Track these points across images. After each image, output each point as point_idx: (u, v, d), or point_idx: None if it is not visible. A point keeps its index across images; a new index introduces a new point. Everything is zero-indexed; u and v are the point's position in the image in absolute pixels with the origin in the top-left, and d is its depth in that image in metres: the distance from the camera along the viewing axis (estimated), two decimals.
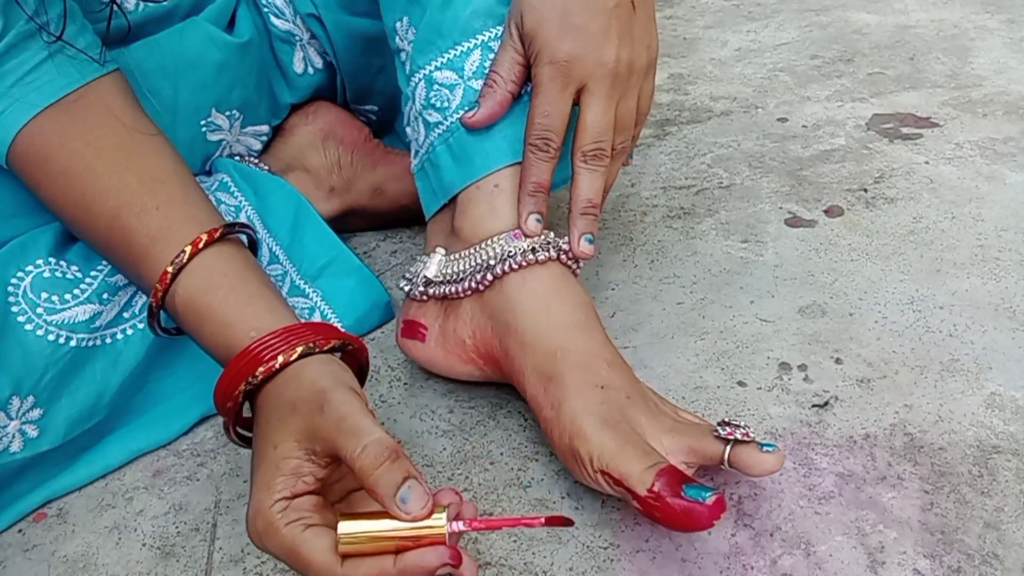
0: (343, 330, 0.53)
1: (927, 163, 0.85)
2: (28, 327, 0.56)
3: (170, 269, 0.52)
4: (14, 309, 0.56)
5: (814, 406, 0.60)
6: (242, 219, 0.69)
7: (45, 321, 0.56)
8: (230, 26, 0.71)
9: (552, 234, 0.59)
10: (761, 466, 0.49)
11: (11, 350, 0.55)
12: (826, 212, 0.80)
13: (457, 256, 0.59)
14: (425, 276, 0.61)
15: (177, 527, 0.57)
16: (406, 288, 0.63)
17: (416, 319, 0.62)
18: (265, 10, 0.73)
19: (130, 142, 0.56)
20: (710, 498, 0.46)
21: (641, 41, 0.58)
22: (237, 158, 0.74)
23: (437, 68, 0.60)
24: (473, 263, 0.58)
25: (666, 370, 0.64)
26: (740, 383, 0.63)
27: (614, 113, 0.57)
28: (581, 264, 0.60)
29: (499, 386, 0.63)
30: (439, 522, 0.44)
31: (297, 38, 0.75)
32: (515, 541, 0.53)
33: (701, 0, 1.25)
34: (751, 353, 0.65)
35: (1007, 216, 0.77)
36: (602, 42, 0.56)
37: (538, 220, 0.58)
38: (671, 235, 0.78)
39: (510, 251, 0.57)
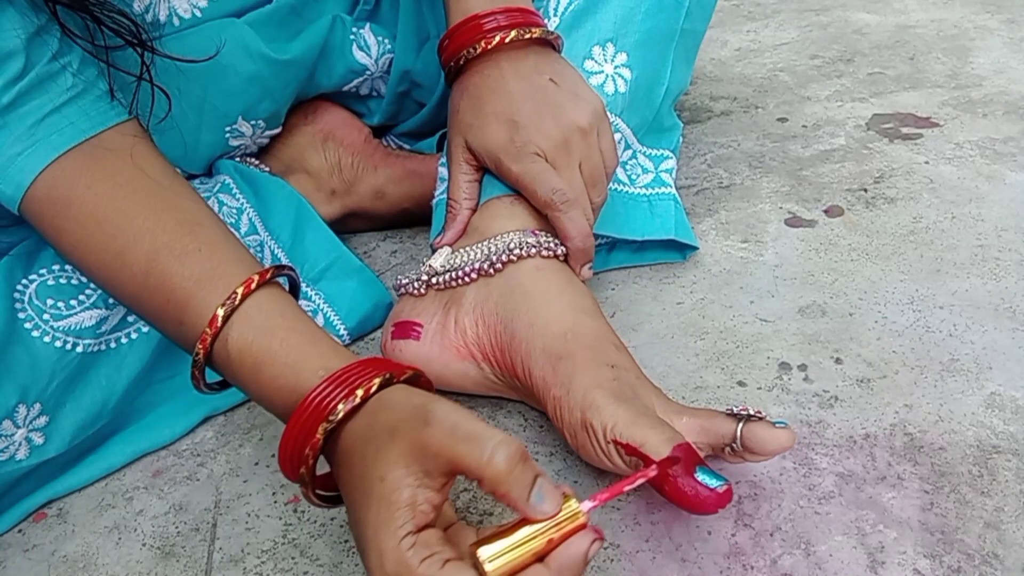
0: (402, 363, 0.50)
1: (927, 163, 0.85)
2: (35, 334, 0.56)
3: (221, 312, 0.48)
4: (21, 316, 0.56)
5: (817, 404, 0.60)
6: (244, 221, 0.69)
7: (52, 327, 0.56)
8: (287, 33, 0.70)
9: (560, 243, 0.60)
10: (775, 441, 0.49)
11: (19, 357, 0.55)
12: (826, 212, 0.80)
13: (467, 248, 0.61)
14: (431, 266, 0.61)
15: (177, 527, 0.57)
16: (404, 282, 0.63)
17: (410, 319, 0.62)
18: (351, 38, 0.74)
19: (161, 185, 0.52)
20: (721, 486, 0.47)
21: (575, 105, 0.60)
22: (237, 158, 0.74)
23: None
24: (484, 252, 0.60)
25: (666, 370, 0.64)
26: (740, 383, 0.63)
27: (580, 176, 0.60)
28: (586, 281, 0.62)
29: None
30: (574, 510, 0.42)
31: (369, 72, 0.76)
32: None
33: None
34: (751, 353, 0.65)
35: (1007, 216, 0.77)
36: (539, 122, 0.59)
37: (590, 267, 0.61)
38: None
39: (528, 241, 0.59)
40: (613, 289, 0.73)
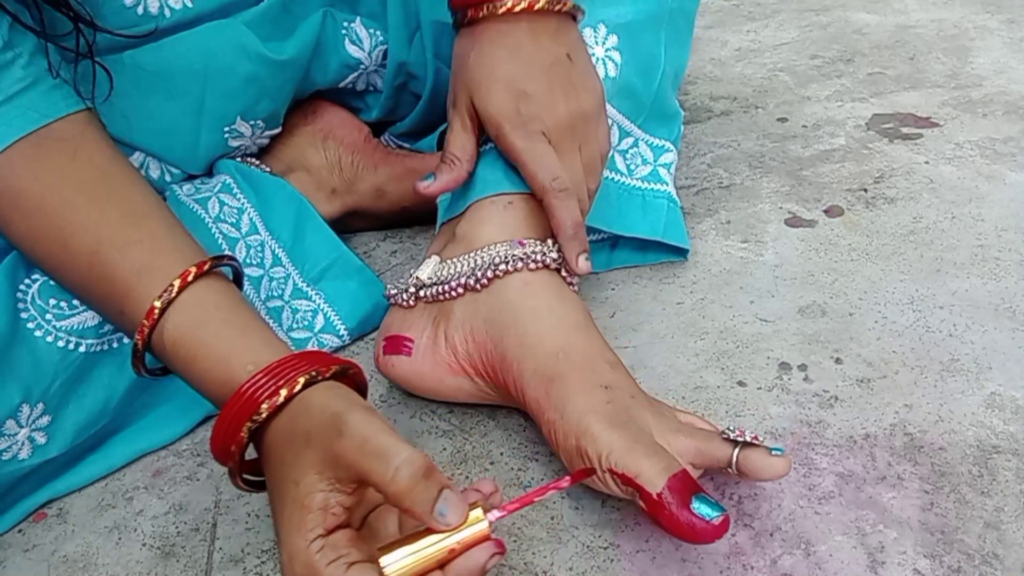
0: (337, 356, 0.50)
1: (927, 163, 0.85)
2: (38, 334, 0.56)
3: (157, 304, 0.49)
4: (23, 316, 0.56)
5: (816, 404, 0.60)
6: (245, 221, 0.69)
7: (55, 327, 0.56)
8: (281, 33, 0.70)
9: (554, 245, 0.59)
10: (771, 470, 0.49)
11: (22, 358, 0.55)
12: (826, 212, 0.80)
13: (454, 260, 0.59)
14: (418, 278, 0.60)
15: (177, 527, 0.57)
16: (392, 292, 0.62)
17: (400, 333, 0.61)
18: (343, 32, 0.74)
19: (108, 176, 0.53)
20: (718, 518, 0.46)
21: (585, 88, 0.59)
22: (238, 158, 0.74)
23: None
24: (471, 264, 0.58)
25: (666, 370, 0.64)
26: (740, 383, 0.63)
27: (580, 162, 0.59)
28: (577, 281, 0.60)
29: None
30: (478, 520, 0.43)
31: (363, 66, 0.76)
32: (515, 541, 0.53)
33: (701, 0, 1.25)
34: (751, 353, 0.65)
35: (1007, 216, 0.77)
36: (549, 99, 0.58)
37: (587, 259, 0.58)
38: None
39: (515, 254, 0.57)
40: (613, 289, 0.73)
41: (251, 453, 0.48)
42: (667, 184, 0.72)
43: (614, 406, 0.52)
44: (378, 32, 0.75)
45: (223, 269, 0.54)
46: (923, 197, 0.80)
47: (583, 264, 0.59)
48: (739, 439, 0.50)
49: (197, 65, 0.65)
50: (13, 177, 0.52)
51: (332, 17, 0.73)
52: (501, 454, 0.59)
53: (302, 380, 0.46)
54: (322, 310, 0.69)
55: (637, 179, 0.71)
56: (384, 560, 0.42)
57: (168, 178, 0.70)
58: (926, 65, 1.03)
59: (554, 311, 0.56)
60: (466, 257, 0.59)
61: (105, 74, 0.56)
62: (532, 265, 0.57)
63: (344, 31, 0.74)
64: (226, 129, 0.70)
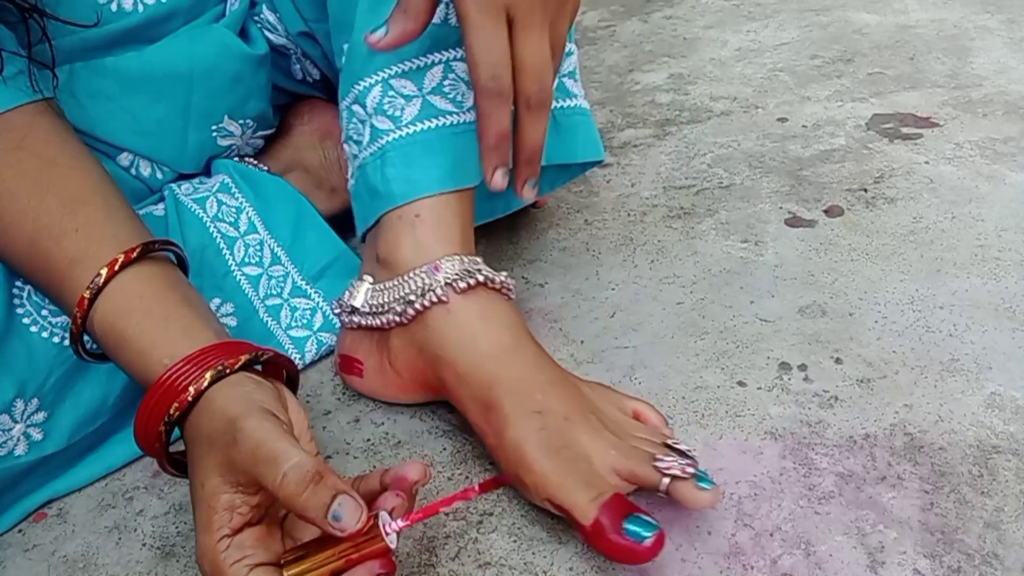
0: (253, 343, 0.51)
1: (927, 163, 0.85)
2: (33, 329, 0.56)
3: (87, 294, 0.50)
4: (19, 311, 0.56)
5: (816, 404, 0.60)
6: (243, 221, 0.69)
7: (50, 323, 0.56)
8: (242, 35, 0.71)
9: (475, 260, 0.58)
10: (696, 503, 0.50)
11: (16, 352, 0.55)
12: (826, 212, 0.80)
13: (382, 287, 0.59)
14: (351, 305, 0.60)
15: (177, 527, 0.57)
16: (337, 313, 0.62)
17: (351, 353, 0.62)
18: (259, 25, 0.73)
19: (53, 164, 0.54)
20: (649, 540, 0.47)
21: None
22: (236, 158, 0.74)
23: (353, 101, 0.60)
24: (397, 295, 0.58)
25: (666, 370, 0.64)
26: (740, 383, 0.63)
27: (547, 43, 0.52)
28: (513, 288, 0.59)
29: None
30: (375, 534, 0.44)
31: (291, 51, 0.75)
32: (515, 541, 0.53)
33: (701, 0, 1.25)
34: (751, 353, 0.65)
35: (1007, 216, 0.77)
36: None
37: (504, 174, 0.53)
38: (671, 235, 0.78)
39: (430, 284, 0.56)
40: (613, 289, 0.73)
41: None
42: (577, 97, 0.65)
43: (547, 433, 0.52)
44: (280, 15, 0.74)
45: (167, 254, 0.54)
46: (923, 197, 0.80)
47: (528, 192, 0.55)
48: (667, 473, 0.50)
49: (182, 67, 0.66)
50: None
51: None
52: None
53: (208, 375, 0.47)
54: (321, 308, 0.69)
55: (583, 99, 0.66)
56: (287, 572, 0.44)
57: (160, 176, 0.69)
58: (926, 65, 1.03)
59: (479, 339, 0.56)
60: (391, 287, 0.58)
61: (57, 64, 0.57)
62: (447, 295, 0.56)
63: (258, 22, 0.73)
64: (214, 128, 0.70)
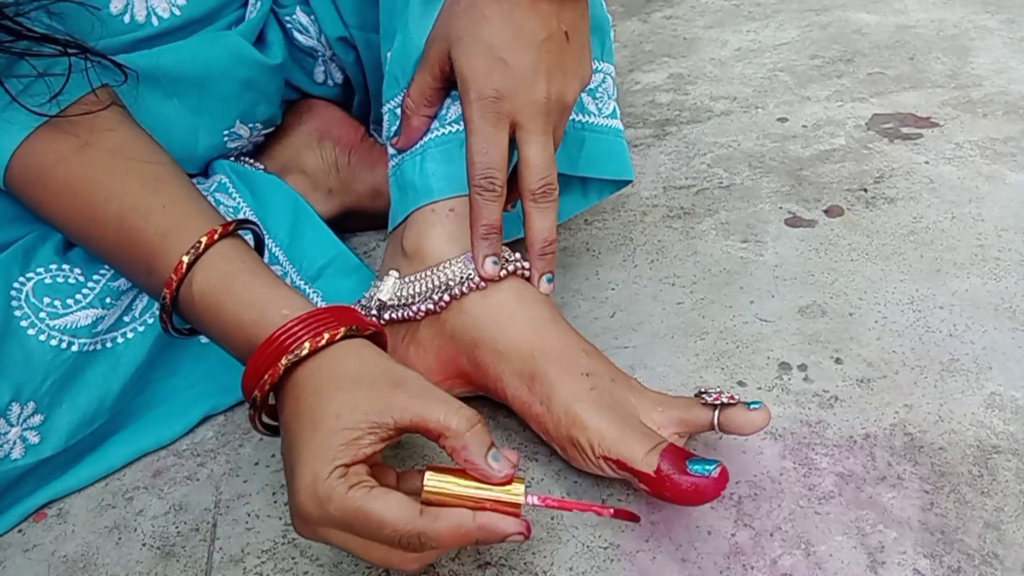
0: (367, 318, 0.52)
1: (927, 163, 0.85)
2: (31, 332, 0.56)
3: (186, 259, 0.51)
4: (17, 314, 0.56)
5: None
6: None
7: (48, 326, 0.56)
8: (259, 42, 0.71)
9: (506, 249, 0.58)
10: (752, 424, 0.52)
11: (13, 355, 0.55)
12: (826, 212, 0.80)
13: (411, 279, 0.59)
14: (379, 300, 0.60)
15: (177, 527, 0.57)
16: (360, 311, 0.62)
17: None
18: (288, 26, 0.73)
19: (125, 147, 0.55)
20: (715, 470, 0.49)
21: (574, 74, 0.57)
22: (233, 158, 0.74)
23: (397, 105, 0.62)
24: (429, 285, 0.58)
25: (666, 370, 0.64)
26: (740, 383, 0.63)
27: (551, 148, 0.57)
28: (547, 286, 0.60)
29: None
30: (517, 492, 0.46)
31: (320, 54, 0.75)
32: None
33: (701, 0, 1.25)
34: (751, 353, 0.65)
35: (1007, 216, 0.77)
36: (532, 79, 0.55)
37: (495, 262, 0.57)
38: (671, 235, 0.78)
39: (469, 273, 0.57)
40: (613, 289, 0.73)
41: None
42: (592, 115, 0.68)
43: (597, 392, 0.54)
44: (317, 17, 0.74)
45: (246, 235, 0.56)
46: (923, 197, 0.80)
47: (544, 286, 0.58)
48: (716, 403, 0.52)
49: (192, 71, 0.66)
50: (37, 161, 0.54)
51: (274, 13, 0.73)
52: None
53: (343, 330, 0.48)
54: None
55: (604, 117, 0.68)
56: (429, 475, 0.46)
57: None
58: (926, 65, 1.03)
59: (516, 317, 0.57)
60: (422, 277, 0.58)
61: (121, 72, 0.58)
62: (483, 284, 0.57)
63: (289, 23, 0.73)
64: (225, 132, 0.70)
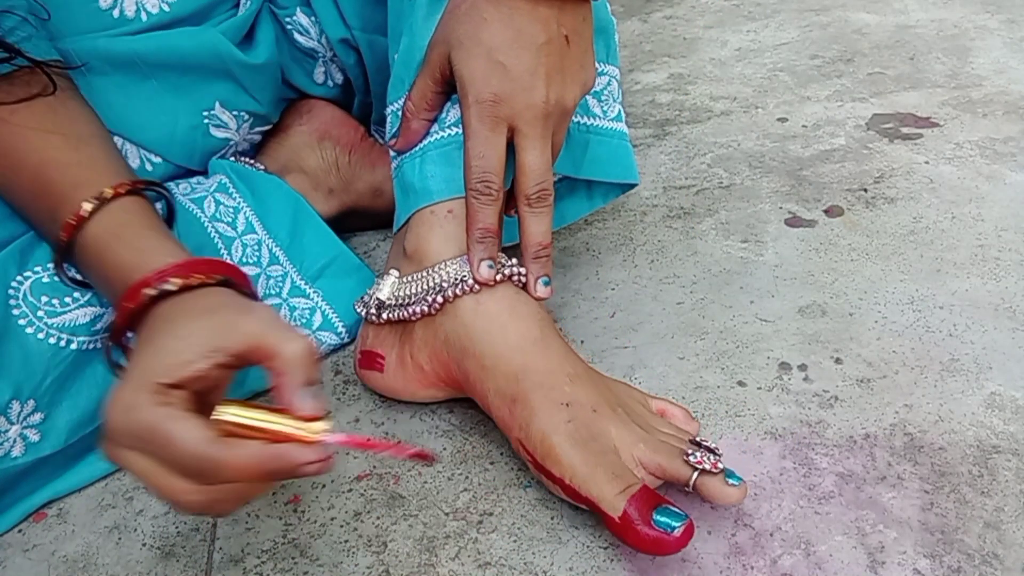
0: (245, 272, 0.53)
1: (927, 163, 0.85)
2: (29, 330, 0.56)
3: (87, 205, 0.52)
4: (15, 312, 0.56)
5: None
6: (240, 221, 0.69)
7: (46, 324, 0.56)
8: (249, 39, 0.71)
9: (502, 255, 0.58)
10: (725, 498, 0.51)
11: (11, 353, 0.55)
12: (826, 212, 0.80)
13: (409, 279, 0.59)
14: (378, 299, 0.60)
15: (177, 527, 0.57)
16: (361, 312, 0.62)
17: (373, 349, 0.62)
18: (288, 27, 0.73)
19: (55, 107, 0.56)
20: (678, 530, 0.48)
21: (574, 78, 0.57)
22: (233, 158, 0.74)
23: (401, 107, 0.62)
24: (425, 286, 0.58)
25: (666, 370, 0.64)
26: (740, 383, 0.63)
27: (550, 152, 0.57)
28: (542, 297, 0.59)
29: None
30: (319, 428, 0.43)
31: (320, 55, 0.75)
32: (515, 541, 0.53)
33: (701, 0, 1.25)
34: (751, 353, 0.65)
35: (1007, 216, 0.77)
36: (530, 82, 0.55)
37: (490, 266, 0.56)
38: (671, 235, 0.78)
39: (463, 275, 0.57)
40: (613, 289, 0.73)
41: None
42: (596, 117, 0.68)
43: (575, 424, 0.53)
44: (318, 19, 0.74)
45: (158, 203, 0.57)
46: (923, 197, 0.80)
47: (541, 290, 0.58)
48: (698, 467, 0.51)
49: (170, 59, 0.66)
50: None
51: (273, 14, 0.73)
52: (501, 454, 0.59)
53: (217, 278, 0.50)
54: (320, 308, 0.69)
55: (609, 120, 0.68)
56: (220, 408, 0.44)
57: (150, 168, 0.69)
58: (926, 65, 1.03)
59: (508, 330, 0.56)
60: (419, 277, 0.58)
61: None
62: (477, 287, 0.57)
63: (289, 24, 0.73)
64: (205, 113, 0.69)
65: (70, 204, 0.53)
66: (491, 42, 0.55)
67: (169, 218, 0.59)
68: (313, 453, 0.42)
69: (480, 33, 0.55)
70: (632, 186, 0.72)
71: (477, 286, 0.56)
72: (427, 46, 0.59)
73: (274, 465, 0.42)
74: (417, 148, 0.61)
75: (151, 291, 0.48)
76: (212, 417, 0.44)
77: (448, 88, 0.59)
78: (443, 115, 0.61)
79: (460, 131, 0.58)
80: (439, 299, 0.57)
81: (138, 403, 0.43)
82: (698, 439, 0.54)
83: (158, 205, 0.57)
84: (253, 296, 0.53)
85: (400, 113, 0.62)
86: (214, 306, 0.47)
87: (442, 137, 0.60)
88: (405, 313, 0.59)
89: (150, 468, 0.43)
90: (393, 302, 0.59)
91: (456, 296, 0.57)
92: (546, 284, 0.58)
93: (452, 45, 0.56)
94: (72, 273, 0.56)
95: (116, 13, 0.63)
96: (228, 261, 0.53)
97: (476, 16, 0.55)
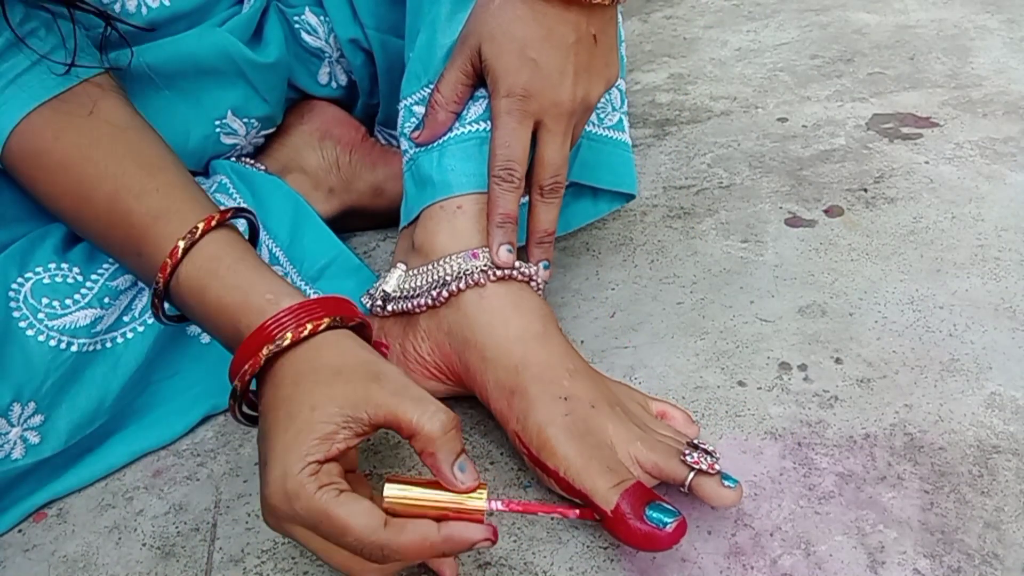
0: (354, 307, 0.52)
1: (927, 163, 0.85)
2: (29, 332, 0.56)
3: (182, 243, 0.51)
4: (15, 314, 0.56)
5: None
6: (240, 221, 0.69)
7: (46, 326, 0.56)
8: (257, 37, 0.71)
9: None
10: (720, 500, 0.51)
11: (12, 356, 0.55)
12: (826, 212, 0.80)
13: (415, 272, 0.59)
14: (384, 291, 0.60)
15: (177, 527, 0.57)
16: (367, 303, 0.63)
17: (378, 339, 0.62)
18: (296, 26, 0.73)
19: (124, 132, 0.56)
20: (671, 525, 0.48)
21: (600, 75, 0.59)
22: (233, 158, 0.74)
23: (415, 102, 0.63)
24: (430, 279, 0.58)
25: (666, 370, 0.64)
26: (740, 383, 0.63)
27: (567, 148, 0.59)
28: (541, 282, 0.60)
29: None
30: (480, 498, 0.46)
31: (327, 55, 0.75)
32: (515, 541, 0.53)
33: (701, 0, 1.25)
34: (751, 353, 0.65)
35: (1007, 216, 0.77)
36: (559, 80, 0.56)
37: (509, 250, 0.58)
38: (671, 235, 0.78)
39: (467, 269, 0.57)
40: (613, 289, 0.73)
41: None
42: (625, 132, 0.70)
43: (572, 418, 0.53)
44: (328, 18, 0.75)
45: (239, 224, 0.56)
46: (923, 197, 0.80)
47: (541, 273, 0.59)
48: (695, 467, 0.51)
49: (182, 67, 0.66)
50: (36, 139, 0.54)
51: (281, 12, 0.73)
52: (501, 454, 0.59)
53: (327, 321, 0.48)
54: None
55: (606, 128, 0.69)
56: (389, 487, 0.45)
57: None
58: (926, 65, 1.03)
59: (510, 324, 0.57)
60: (425, 271, 0.59)
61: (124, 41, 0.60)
62: (484, 280, 0.57)
63: (297, 23, 0.73)
64: (217, 122, 0.70)
65: (154, 238, 0.52)
66: (524, 38, 0.56)
67: (252, 237, 0.58)
68: (481, 532, 0.45)
69: (513, 28, 0.56)
70: (633, 197, 0.73)
71: (482, 280, 0.57)
72: (457, 40, 0.59)
73: (448, 547, 0.45)
74: (435, 143, 0.61)
75: (267, 352, 0.47)
76: (382, 496, 0.45)
77: (477, 81, 0.60)
78: (464, 112, 0.61)
79: (481, 128, 0.59)
80: (444, 292, 0.57)
81: (301, 490, 0.43)
82: (696, 442, 0.54)
83: (239, 223, 0.57)
84: (364, 327, 0.52)
85: (414, 107, 0.62)
86: (340, 368, 0.47)
87: (463, 133, 0.60)
88: (410, 305, 0.59)
89: (323, 546, 0.45)
90: (399, 294, 0.60)
91: (461, 290, 0.57)
92: (546, 267, 0.60)
93: (484, 39, 0.57)
94: (168, 311, 0.55)
95: (117, 7, 0.63)
96: (337, 296, 0.51)
97: (509, 12, 0.56)
